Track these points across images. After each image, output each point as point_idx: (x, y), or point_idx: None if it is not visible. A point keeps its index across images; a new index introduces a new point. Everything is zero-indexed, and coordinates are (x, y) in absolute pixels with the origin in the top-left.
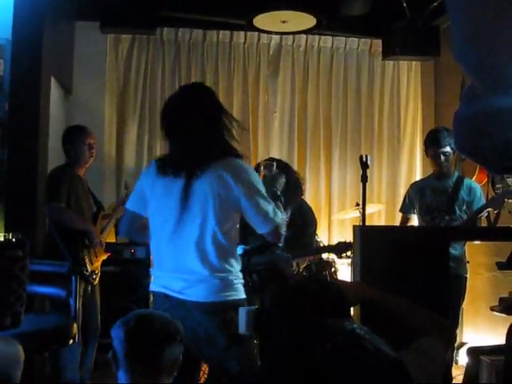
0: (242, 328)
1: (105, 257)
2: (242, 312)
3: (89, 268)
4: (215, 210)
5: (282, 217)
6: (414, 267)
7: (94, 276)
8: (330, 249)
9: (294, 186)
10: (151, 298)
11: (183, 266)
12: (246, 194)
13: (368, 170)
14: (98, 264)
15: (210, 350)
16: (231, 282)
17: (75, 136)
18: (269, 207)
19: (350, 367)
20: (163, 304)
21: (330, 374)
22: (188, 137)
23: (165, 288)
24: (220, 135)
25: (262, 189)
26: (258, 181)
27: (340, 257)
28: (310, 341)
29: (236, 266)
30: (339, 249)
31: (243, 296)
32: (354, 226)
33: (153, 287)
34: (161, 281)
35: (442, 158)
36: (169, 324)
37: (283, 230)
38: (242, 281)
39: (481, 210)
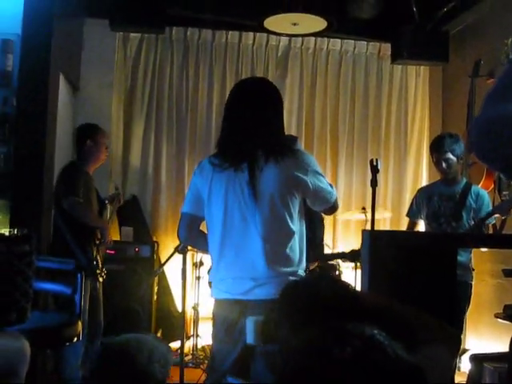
0: (250, 338)
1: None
2: (250, 322)
3: (100, 265)
4: (285, 204)
5: (336, 192)
6: (422, 272)
7: (103, 274)
8: (344, 255)
9: None
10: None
11: (251, 264)
12: (309, 179)
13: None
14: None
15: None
16: (301, 276)
17: (99, 135)
18: (327, 184)
19: (370, 373)
20: (233, 311)
21: (350, 379)
22: (256, 127)
23: (228, 293)
24: (282, 129)
25: (318, 167)
26: (313, 161)
27: (355, 265)
28: (328, 345)
29: (303, 261)
30: (353, 256)
31: None
32: (363, 231)
33: (216, 294)
34: (225, 285)
35: (444, 164)
36: (150, 364)
37: (338, 204)
38: None
39: (488, 215)
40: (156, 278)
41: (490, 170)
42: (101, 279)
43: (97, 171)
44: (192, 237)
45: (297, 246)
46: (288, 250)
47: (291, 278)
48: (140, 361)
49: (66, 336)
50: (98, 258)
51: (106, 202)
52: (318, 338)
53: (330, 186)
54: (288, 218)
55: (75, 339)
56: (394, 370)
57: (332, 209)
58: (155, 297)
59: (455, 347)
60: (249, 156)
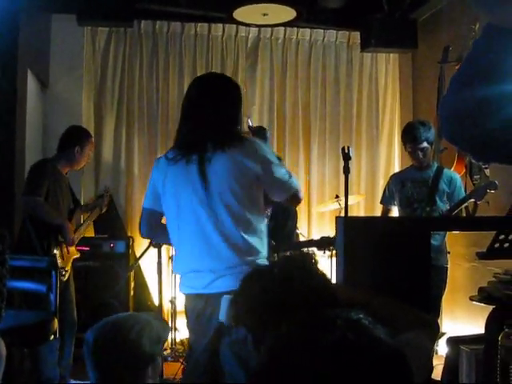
0: (222, 316)
1: (77, 255)
2: (225, 300)
3: (59, 264)
4: (235, 192)
5: (297, 181)
6: (396, 258)
7: (64, 272)
8: (313, 243)
9: None
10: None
11: (208, 256)
12: (261, 167)
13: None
14: (69, 261)
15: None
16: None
17: (88, 146)
18: (284, 173)
19: (357, 357)
20: (197, 305)
21: (336, 364)
22: (204, 118)
23: (191, 288)
24: (234, 120)
25: (271, 156)
26: (264, 149)
27: (324, 252)
28: (314, 331)
29: (264, 250)
30: (323, 244)
31: None
32: (337, 217)
33: (182, 289)
34: (188, 279)
35: (420, 154)
36: (140, 338)
37: (301, 194)
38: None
39: (464, 201)
40: (132, 273)
41: (461, 155)
42: (63, 278)
43: None
44: (152, 231)
45: (254, 235)
46: (243, 240)
47: (251, 267)
48: (130, 335)
49: (43, 334)
50: (58, 256)
51: (82, 208)
52: (302, 324)
53: (289, 175)
54: (240, 206)
55: (52, 337)
56: (379, 354)
57: (293, 199)
58: (132, 292)
59: (433, 333)
60: (198, 147)
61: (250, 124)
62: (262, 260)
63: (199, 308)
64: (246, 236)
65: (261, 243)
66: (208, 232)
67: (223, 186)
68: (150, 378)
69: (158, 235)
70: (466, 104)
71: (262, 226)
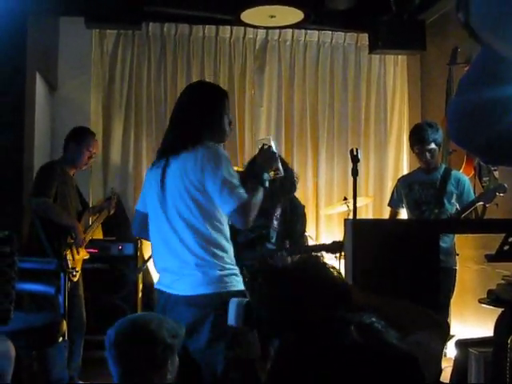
0: (231, 320)
1: (86, 256)
2: (233, 303)
3: (70, 264)
4: (189, 200)
5: (245, 197)
6: (405, 260)
7: (74, 273)
8: (324, 248)
9: (290, 183)
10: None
11: (172, 258)
12: (211, 176)
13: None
14: (79, 262)
15: (193, 344)
16: (215, 274)
17: (84, 139)
18: (232, 186)
19: (370, 360)
20: (160, 300)
21: (350, 366)
22: (177, 123)
23: (159, 284)
24: (205, 127)
25: (223, 165)
26: (214, 158)
27: (335, 256)
28: (326, 334)
29: (224, 257)
30: (334, 248)
31: (234, 288)
32: (345, 220)
33: (155, 285)
34: (159, 276)
35: (428, 155)
36: (160, 329)
37: (252, 213)
38: (235, 272)
39: (473, 203)
40: (140, 275)
41: (470, 156)
42: (74, 279)
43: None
44: (143, 232)
45: (210, 241)
46: (197, 245)
47: (207, 273)
48: (150, 326)
49: (51, 336)
50: (68, 257)
51: (90, 210)
52: (316, 327)
53: (239, 189)
54: (192, 212)
55: (60, 339)
56: (392, 358)
57: (237, 215)
58: (140, 294)
59: (443, 334)
60: (166, 151)
61: (274, 148)
62: (220, 268)
63: (161, 304)
64: (198, 243)
65: (217, 249)
66: (166, 234)
67: (174, 190)
68: (169, 371)
69: (148, 235)
70: (472, 105)
71: (215, 233)
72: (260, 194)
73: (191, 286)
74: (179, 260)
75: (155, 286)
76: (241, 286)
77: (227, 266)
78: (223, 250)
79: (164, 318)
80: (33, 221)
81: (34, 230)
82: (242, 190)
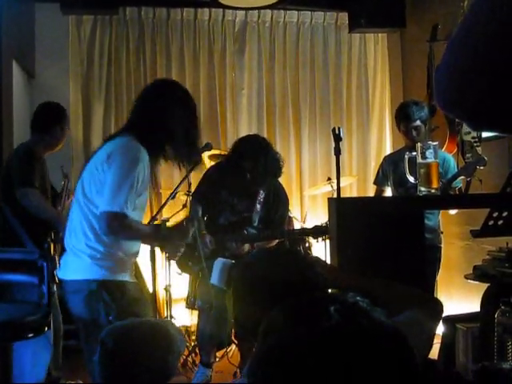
0: (215, 279)
1: None
2: (218, 263)
3: (57, 261)
4: (89, 189)
5: (127, 212)
6: (390, 238)
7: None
8: (306, 232)
9: (273, 167)
10: None
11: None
12: (111, 172)
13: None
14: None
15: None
16: (94, 261)
17: (67, 122)
18: (117, 188)
19: (357, 339)
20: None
21: (337, 345)
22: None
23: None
24: (146, 123)
25: (127, 173)
26: (125, 162)
27: (317, 240)
28: (310, 314)
29: (108, 246)
30: (315, 233)
31: (114, 278)
32: (329, 199)
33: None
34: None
35: (414, 132)
36: (167, 354)
37: (125, 235)
38: (114, 260)
39: (453, 178)
40: None
41: (453, 133)
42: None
43: (59, 157)
44: None
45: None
46: (83, 232)
47: (85, 259)
48: (156, 352)
49: (38, 326)
50: (52, 251)
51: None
52: (299, 308)
53: (122, 198)
54: (87, 198)
55: (46, 328)
56: (378, 335)
57: (101, 220)
58: None
59: (435, 312)
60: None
61: None
62: (101, 255)
63: None
64: (83, 230)
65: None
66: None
67: (85, 179)
68: None
69: None
70: (461, 61)
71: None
72: (147, 238)
73: (73, 270)
74: (73, 245)
75: None
76: (121, 277)
77: (109, 255)
78: (111, 239)
79: (172, 336)
80: (5, 212)
81: (7, 222)
82: (124, 201)
